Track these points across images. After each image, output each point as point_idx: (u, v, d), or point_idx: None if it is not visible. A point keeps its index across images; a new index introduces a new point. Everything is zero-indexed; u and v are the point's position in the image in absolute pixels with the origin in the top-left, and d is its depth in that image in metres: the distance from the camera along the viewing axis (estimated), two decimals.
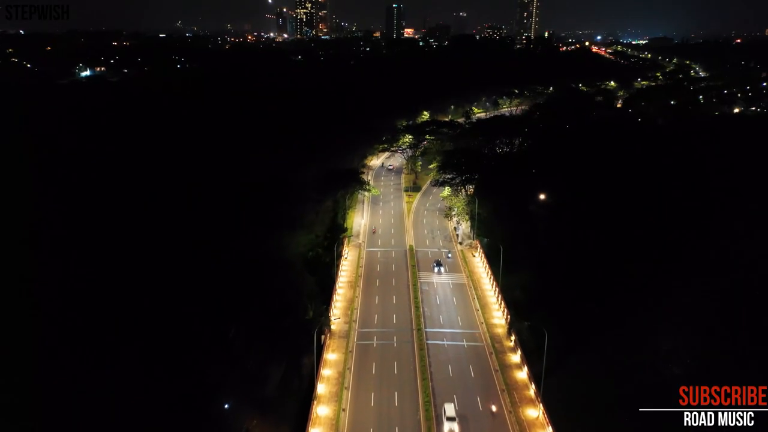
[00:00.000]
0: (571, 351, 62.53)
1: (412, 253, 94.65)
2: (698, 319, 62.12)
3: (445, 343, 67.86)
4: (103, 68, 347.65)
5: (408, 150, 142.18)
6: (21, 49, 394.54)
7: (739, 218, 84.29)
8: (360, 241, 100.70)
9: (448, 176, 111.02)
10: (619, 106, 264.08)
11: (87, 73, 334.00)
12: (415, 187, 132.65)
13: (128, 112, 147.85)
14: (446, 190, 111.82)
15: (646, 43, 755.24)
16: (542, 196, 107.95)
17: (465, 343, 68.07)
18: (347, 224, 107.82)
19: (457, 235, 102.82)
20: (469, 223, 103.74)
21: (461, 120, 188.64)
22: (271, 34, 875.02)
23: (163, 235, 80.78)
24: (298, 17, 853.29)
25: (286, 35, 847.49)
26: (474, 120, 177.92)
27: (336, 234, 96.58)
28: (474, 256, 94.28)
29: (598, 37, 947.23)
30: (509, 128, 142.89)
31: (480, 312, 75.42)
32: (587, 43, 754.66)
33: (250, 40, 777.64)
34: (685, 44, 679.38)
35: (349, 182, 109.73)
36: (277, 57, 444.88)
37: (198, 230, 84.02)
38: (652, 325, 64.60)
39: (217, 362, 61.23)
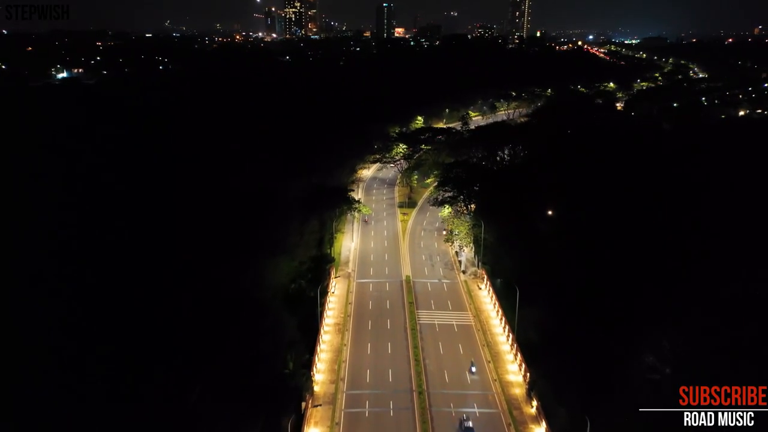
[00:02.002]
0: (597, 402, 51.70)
1: (409, 285, 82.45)
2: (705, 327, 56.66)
3: (452, 410, 55.64)
4: (80, 70, 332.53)
5: (402, 161, 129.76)
6: (1, 49, 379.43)
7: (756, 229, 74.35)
8: (349, 270, 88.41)
9: (448, 194, 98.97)
10: (619, 108, 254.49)
11: (64, 75, 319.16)
12: (410, 203, 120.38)
13: (93, 118, 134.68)
14: (446, 209, 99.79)
15: (639, 42, 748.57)
16: (552, 213, 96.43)
17: (476, 409, 55.91)
18: (335, 249, 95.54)
19: (460, 262, 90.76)
20: (472, 247, 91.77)
21: (458, 126, 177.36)
22: (260, 34, 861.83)
23: (118, 265, 68.75)
24: (287, 17, 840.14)
25: (274, 35, 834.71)
26: (472, 126, 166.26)
27: (322, 264, 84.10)
28: (480, 288, 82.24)
29: (590, 37, 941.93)
30: (512, 136, 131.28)
31: (492, 364, 63.41)
32: (580, 43, 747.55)
33: (238, 40, 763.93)
34: (679, 44, 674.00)
35: (337, 201, 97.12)
36: (264, 58, 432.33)
37: (161, 257, 72.49)
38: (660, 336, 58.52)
39: (179, 428, 49.54)
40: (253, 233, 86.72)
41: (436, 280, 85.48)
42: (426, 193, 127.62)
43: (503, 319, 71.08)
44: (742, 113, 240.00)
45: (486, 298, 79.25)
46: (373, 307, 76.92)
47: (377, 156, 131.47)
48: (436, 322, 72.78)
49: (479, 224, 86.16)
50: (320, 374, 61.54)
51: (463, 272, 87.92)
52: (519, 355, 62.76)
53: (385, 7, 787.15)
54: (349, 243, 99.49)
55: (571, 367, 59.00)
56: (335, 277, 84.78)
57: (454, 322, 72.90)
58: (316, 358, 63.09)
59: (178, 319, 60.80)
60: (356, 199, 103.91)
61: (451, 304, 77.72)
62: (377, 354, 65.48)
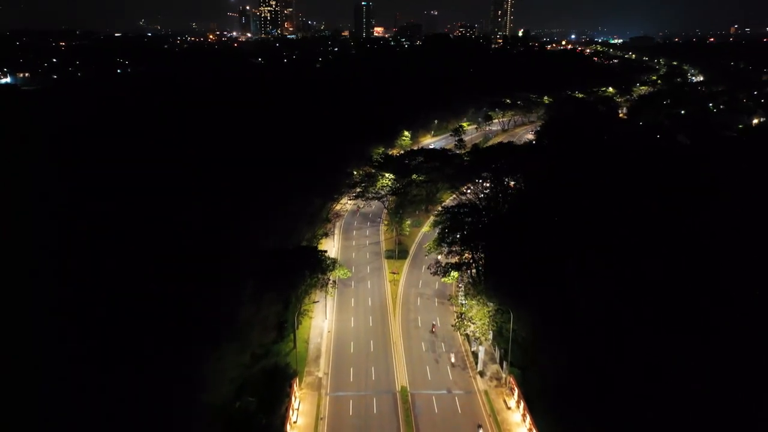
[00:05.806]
0: None
1: (407, 405, 56.71)
2: None
3: None
4: (26, 74, 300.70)
5: (388, 197, 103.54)
6: None
7: None
8: (320, 375, 62.42)
9: (455, 258, 73.90)
10: (622, 116, 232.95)
11: (7, 80, 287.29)
12: (400, 252, 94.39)
13: None
14: (452, 275, 74.44)
15: (625, 42, 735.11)
16: (587, 267, 71.45)
17: None
18: (301, 334, 69.55)
19: (475, 356, 65.31)
20: (491, 335, 66.57)
21: (450, 139, 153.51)
22: (234, 33, 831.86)
23: None
24: (263, 15, 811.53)
25: (249, 34, 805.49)
26: (469, 146, 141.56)
27: (280, 378, 58.03)
28: (509, 407, 56.87)
29: (572, 36, 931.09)
30: (523, 162, 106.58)
31: None
32: (564, 42, 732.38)
33: (211, 40, 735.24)
34: (666, 44, 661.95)
35: (303, 269, 70.49)
36: (235, 59, 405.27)
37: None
38: None
39: None
40: (191, 314, 60.69)
41: (444, 391, 59.84)
42: (419, 236, 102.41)
43: None
44: (756, 121, 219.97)
45: (521, 427, 53.87)
46: None
47: (358, 190, 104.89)
48: None
49: (504, 309, 60.75)
50: None
51: (481, 374, 62.50)
52: None
53: (364, 5, 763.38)
54: (320, 322, 73.40)
55: None
56: (300, 390, 58.86)
57: None
58: None
59: None
60: (332, 258, 77.32)
61: None
62: None
